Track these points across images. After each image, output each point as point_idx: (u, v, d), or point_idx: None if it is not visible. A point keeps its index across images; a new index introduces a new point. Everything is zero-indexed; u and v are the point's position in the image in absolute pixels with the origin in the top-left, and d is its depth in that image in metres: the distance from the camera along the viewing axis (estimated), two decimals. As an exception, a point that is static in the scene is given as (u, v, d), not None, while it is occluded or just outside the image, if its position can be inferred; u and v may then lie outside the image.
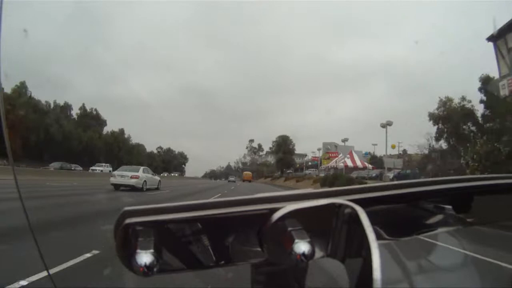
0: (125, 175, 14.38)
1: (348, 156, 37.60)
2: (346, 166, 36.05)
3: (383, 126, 28.38)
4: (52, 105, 51.30)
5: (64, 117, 50.78)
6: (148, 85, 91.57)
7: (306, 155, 62.32)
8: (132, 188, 13.90)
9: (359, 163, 37.58)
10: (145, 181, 14.87)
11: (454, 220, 0.48)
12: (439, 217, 0.47)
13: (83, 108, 56.77)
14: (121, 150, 56.30)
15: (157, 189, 16.02)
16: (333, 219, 0.37)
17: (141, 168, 15.84)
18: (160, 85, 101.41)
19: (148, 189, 14.84)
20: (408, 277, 1.14)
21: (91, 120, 55.14)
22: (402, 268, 1.10)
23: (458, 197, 0.46)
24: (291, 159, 66.10)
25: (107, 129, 59.11)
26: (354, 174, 32.54)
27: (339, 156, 39.66)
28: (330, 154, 45.54)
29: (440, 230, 0.49)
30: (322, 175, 39.92)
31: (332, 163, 41.29)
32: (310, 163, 60.71)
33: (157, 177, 17.59)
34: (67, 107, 54.92)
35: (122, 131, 62.26)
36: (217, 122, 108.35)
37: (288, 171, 62.64)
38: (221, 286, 2.19)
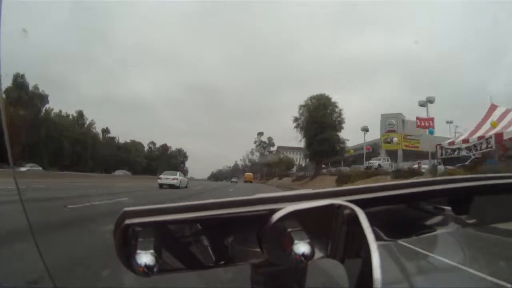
0: (169, 177, 20.95)
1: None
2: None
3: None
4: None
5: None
6: (150, 83, 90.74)
7: (368, 129, 33.13)
8: (171, 186, 19.72)
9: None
10: (180, 181, 21.34)
11: (453, 221, 0.48)
12: (438, 218, 0.47)
13: (16, 80, 39.34)
14: (49, 138, 39.62)
15: (186, 187, 22.01)
16: (333, 220, 0.37)
17: (178, 172, 23.29)
18: (164, 83, 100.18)
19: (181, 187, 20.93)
20: (407, 278, 1.14)
21: (12, 92, 37.79)
22: (401, 268, 1.10)
23: (457, 198, 0.46)
24: (338, 139, 32.22)
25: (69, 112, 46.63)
26: None
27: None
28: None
29: (439, 231, 0.49)
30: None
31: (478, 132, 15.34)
32: (368, 152, 33.02)
33: (186, 179, 25.31)
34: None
35: (80, 113, 50.19)
36: (222, 121, 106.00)
37: (322, 166, 34.22)
38: (221, 286, 2.19)
